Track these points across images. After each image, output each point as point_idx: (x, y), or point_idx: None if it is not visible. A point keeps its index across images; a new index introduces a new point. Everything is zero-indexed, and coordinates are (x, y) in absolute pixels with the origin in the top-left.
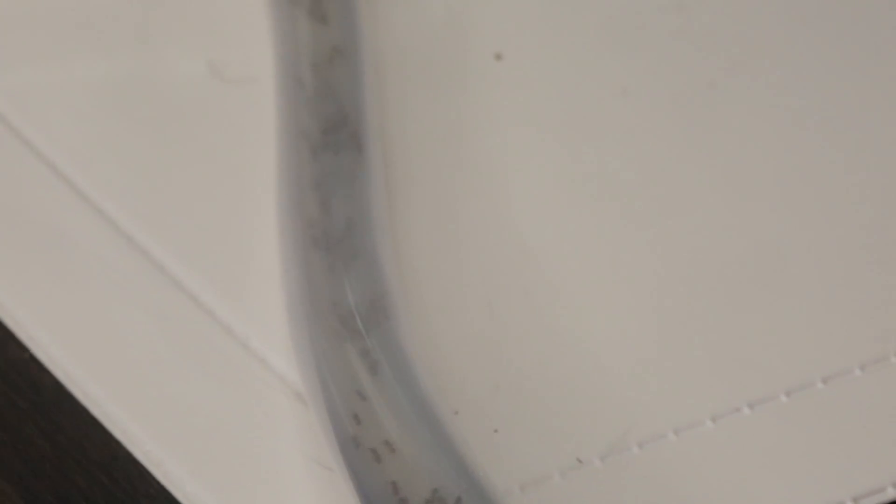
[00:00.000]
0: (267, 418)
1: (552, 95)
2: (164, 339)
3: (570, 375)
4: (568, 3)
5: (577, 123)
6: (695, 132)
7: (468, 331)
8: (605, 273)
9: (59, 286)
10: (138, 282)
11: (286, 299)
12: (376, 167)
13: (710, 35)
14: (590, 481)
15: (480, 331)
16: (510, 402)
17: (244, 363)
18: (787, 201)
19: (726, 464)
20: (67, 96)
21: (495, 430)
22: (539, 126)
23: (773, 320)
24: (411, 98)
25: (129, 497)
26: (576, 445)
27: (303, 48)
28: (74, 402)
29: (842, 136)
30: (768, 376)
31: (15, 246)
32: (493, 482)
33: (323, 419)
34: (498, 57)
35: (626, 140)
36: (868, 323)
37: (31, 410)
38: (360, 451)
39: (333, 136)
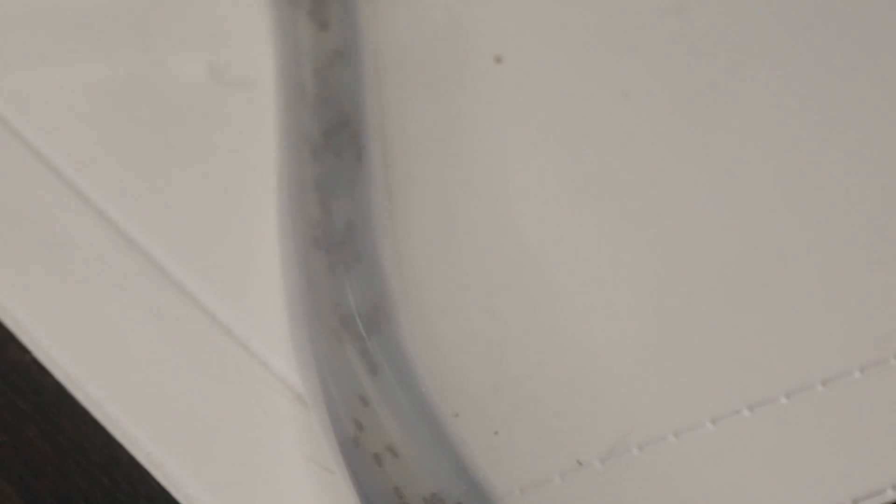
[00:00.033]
0: (268, 420)
1: (552, 97)
2: (165, 341)
3: (570, 377)
4: (567, 5)
5: (578, 125)
6: (695, 134)
7: (468, 333)
8: (604, 276)
9: (61, 288)
10: (139, 284)
11: (287, 301)
12: (377, 169)
13: (710, 37)
14: (590, 483)
15: (481, 333)
16: (510, 405)
17: (245, 365)
18: (787, 204)
19: (726, 466)
20: (69, 98)
21: (495, 433)
22: (539, 128)
23: (773, 322)
24: (412, 100)
25: (130, 499)
26: (576, 447)
27: (303, 50)
28: (75, 403)
29: (841, 138)
30: (768, 378)
31: (16, 248)
32: (493, 484)
33: (324, 421)
34: (498, 59)
35: (626, 142)
36: (868, 325)
37: (31, 412)
38: (360, 453)
39: (334, 139)
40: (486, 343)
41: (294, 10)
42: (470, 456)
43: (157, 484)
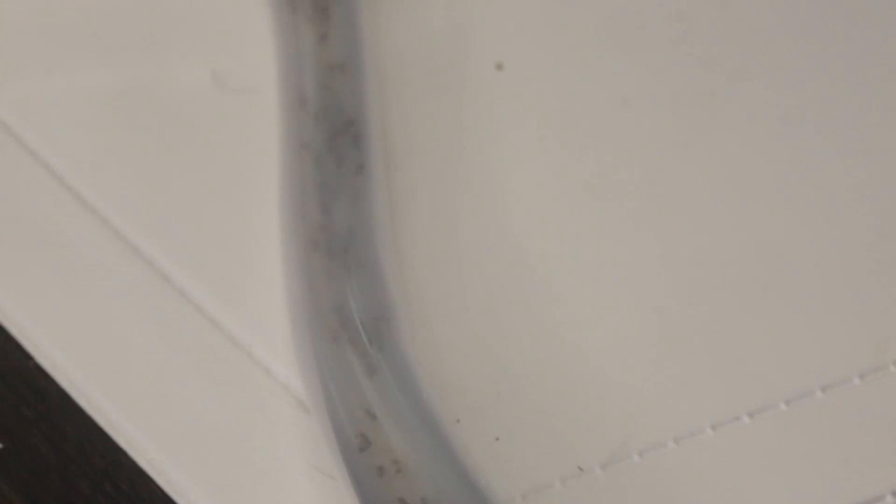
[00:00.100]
0: (271, 427)
1: (553, 105)
2: (168, 348)
3: (571, 383)
4: (568, 13)
5: (579, 133)
6: (695, 140)
7: (470, 339)
8: (605, 283)
9: (64, 294)
10: (143, 290)
11: (289, 308)
12: (378, 175)
13: (710, 44)
14: (591, 489)
15: (482, 339)
16: (512, 411)
17: (248, 372)
18: (787, 210)
19: (726, 472)
20: (71, 105)
21: (497, 439)
22: (540, 136)
23: (773, 329)
24: (413, 108)
25: None
26: (577, 454)
27: (305, 57)
28: (78, 409)
29: (842, 144)
30: (768, 385)
31: (19, 254)
32: (494, 490)
33: (326, 428)
34: (499, 67)
35: (627, 149)
36: (867, 331)
37: (35, 418)
38: (362, 459)
39: (336, 145)
40: (487, 349)
41: (295, 17)
42: (471, 462)
43: (160, 490)
